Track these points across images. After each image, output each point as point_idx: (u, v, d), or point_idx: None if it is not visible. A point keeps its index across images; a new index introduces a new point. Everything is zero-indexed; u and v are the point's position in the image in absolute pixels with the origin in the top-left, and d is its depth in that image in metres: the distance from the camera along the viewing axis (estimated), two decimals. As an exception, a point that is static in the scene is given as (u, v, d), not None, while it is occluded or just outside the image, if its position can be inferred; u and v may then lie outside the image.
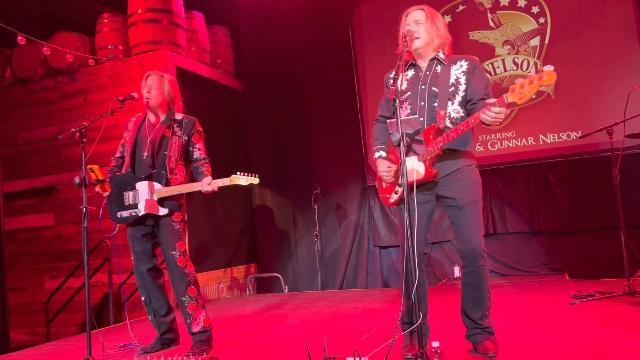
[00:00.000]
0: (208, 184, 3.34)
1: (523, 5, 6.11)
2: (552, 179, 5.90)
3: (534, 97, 5.93)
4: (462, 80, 2.75)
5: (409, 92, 2.81)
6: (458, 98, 2.75)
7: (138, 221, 3.43)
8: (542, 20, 6.04)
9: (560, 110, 5.88)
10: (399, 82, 2.52)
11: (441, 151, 2.67)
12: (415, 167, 2.67)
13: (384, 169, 2.81)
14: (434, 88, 2.75)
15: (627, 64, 5.64)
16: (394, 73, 2.92)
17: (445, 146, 2.65)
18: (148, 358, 3.22)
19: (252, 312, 4.99)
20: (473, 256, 2.70)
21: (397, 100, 2.42)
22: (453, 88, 2.74)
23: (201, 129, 3.60)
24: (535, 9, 6.07)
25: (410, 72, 2.86)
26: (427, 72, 2.80)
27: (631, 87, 4.27)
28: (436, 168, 2.69)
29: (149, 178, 3.40)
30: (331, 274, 6.79)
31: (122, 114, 3.84)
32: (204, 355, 3.19)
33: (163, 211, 3.37)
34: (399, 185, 2.77)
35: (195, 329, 3.37)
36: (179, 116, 3.57)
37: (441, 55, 2.80)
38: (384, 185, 2.88)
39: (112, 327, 4.92)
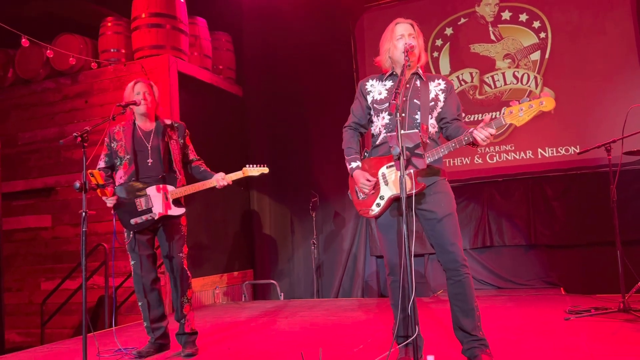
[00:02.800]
0: (222, 179, 3.47)
1: (524, 20, 6.16)
2: (550, 192, 5.92)
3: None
4: (441, 97, 2.85)
5: (388, 103, 2.83)
6: (435, 113, 2.84)
7: (146, 226, 3.49)
8: (543, 35, 6.09)
9: (559, 125, 5.91)
10: (390, 92, 2.57)
11: (426, 165, 2.69)
12: (395, 181, 2.70)
13: (364, 182, 2.79)
14: (415, 101, 2.80)
15: (626, 81, 5.68)
16: (370, 82, 2.95)
17: (431, 161, 2.69)
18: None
19: (248, 318, 4.99)
20: (455, 266, 2.73)
21: (398, 115, 2.44)
22: (433, 103, 2.83)
23: (189, 132, 3.77)
24: (536, 24, 6.11)
25: (389, 83, 2.90)
26: (407, 85, 2.83)
27: (630, 104, 4.31)
28: (420, 182, 2.71)
29: (162, 181, 3.50)
30: (327, 282, 6.79)
31: (123, 119, 3.86)
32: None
33: (179, 210, 3.50)
34: (381, 198, 2.77)
35: (188, 330, 3.51)
36: (168, 121, 3.69)
37: (420, 71, 2.87)
38: (360, 197, 2.85)
39: (107, 330, 4.91)
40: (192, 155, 3.73)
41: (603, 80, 5.78)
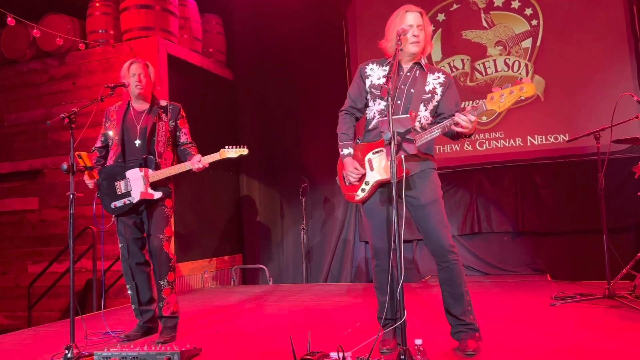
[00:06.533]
0: (198, 161, 3.40)
1: (516, 7, 6.14)
2: (539, 180, 5.96)
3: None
4: (438, 91, 2.84)
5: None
6: (431, 106, 2.83)
7: (130, 209, 3.46)
8: (534, 22, 6.08)
9: (549, 113, 5.93)
10: (386, 78, 2.56)
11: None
12: (381, 166, 2.71)
13: (352, 170, 2.81)
14: (412, 90, 2.81)
15: (616, 70, 5.70)
16: (370, 65, 2.94)
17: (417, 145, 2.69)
18: (131, 345, 3.22)
19: (237, 303, 4.99)
20: (442, 252, 2.76)
21: (390, 100, 2.44)
22: (430, 95, 2.82)
23: (185, 115, 3.68)
24: (528, 11, 6.10)
25: (389, 68, 2.87)
26: (408, 74, 2.85)
27: (620, 93, 4.31)
28: (406, 168, 2.71)
29: (140, 165, 3.43)
30: (316, 267, 6.81)
31: (112, 100, 3.82)
32: (172, 342, 3.27)
33: (157, 194, 3.42)
34: (366, 184, 2.79)
35: (166, 313, 3.46)
36: (163, 102, 3.64)
37: (423, 62, 2.87)
38: (346, 182, 2.89)
39: (95, 313, 4.89)
40: (184, 139, 3.63)
41: (593, 69, 5.80)
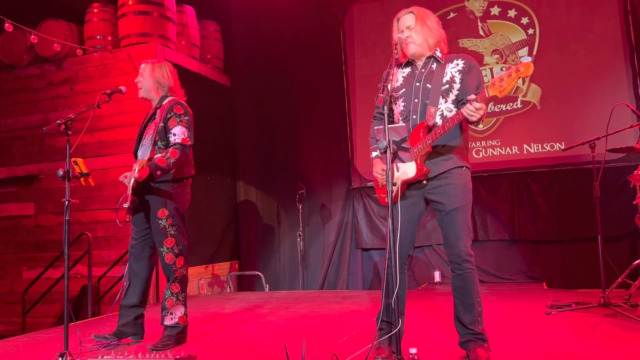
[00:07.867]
0: (132, 170, 3.27)
1: (513, 16, 6.18)
2: (534, 188, 5.98)
3: (521, 102, 6.04)
4: (457, 78, 2.75)
5: (404, 89, 2.83)
6: (452, 96, 2.75)
7: (135, 211, 3.43)
8: (531, 31, 6.12)
9: (545, 121, 5.96)
10: (389, 87, 2.55)
11: (431, 148, 2.68)
12: (405, 166, 2.69)
13: (379, 170, 2.83)
14: (428, 85, 2.77)
15: (612, 79, 5.74)
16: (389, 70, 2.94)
17: (434, 142, 2.66)
18: (125, 352, 3.21)
19: (232, 310, 4.98)
20: (458, 260, 2.74)
21: (385, 108, 2.44)
22: (447, 86, 2.75)
23: (181, 111, 3.41)
24: (524, 20, 6.14)
25: (407, 70, 2.88)
26: (423, 70, 2.81)
27: (615, 102, 4.35)
28: (427, 166, 2.70)
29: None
30: (313, 274, 6.80)
31: (108, 106, 3.82)
32: (165, 350, 3.20)
33: (130, 203, 3.29)
34: (394, 185, 2.77)
35: (168, 323, 3.40)
36: (165, 101, 3.49)
37: (438, 54, 2.81)
38: (380, 185, 2.89)
39: (89, 320, 4.87)
40: (172, 140, 3.36)
41: (589, 78, 5.83)
